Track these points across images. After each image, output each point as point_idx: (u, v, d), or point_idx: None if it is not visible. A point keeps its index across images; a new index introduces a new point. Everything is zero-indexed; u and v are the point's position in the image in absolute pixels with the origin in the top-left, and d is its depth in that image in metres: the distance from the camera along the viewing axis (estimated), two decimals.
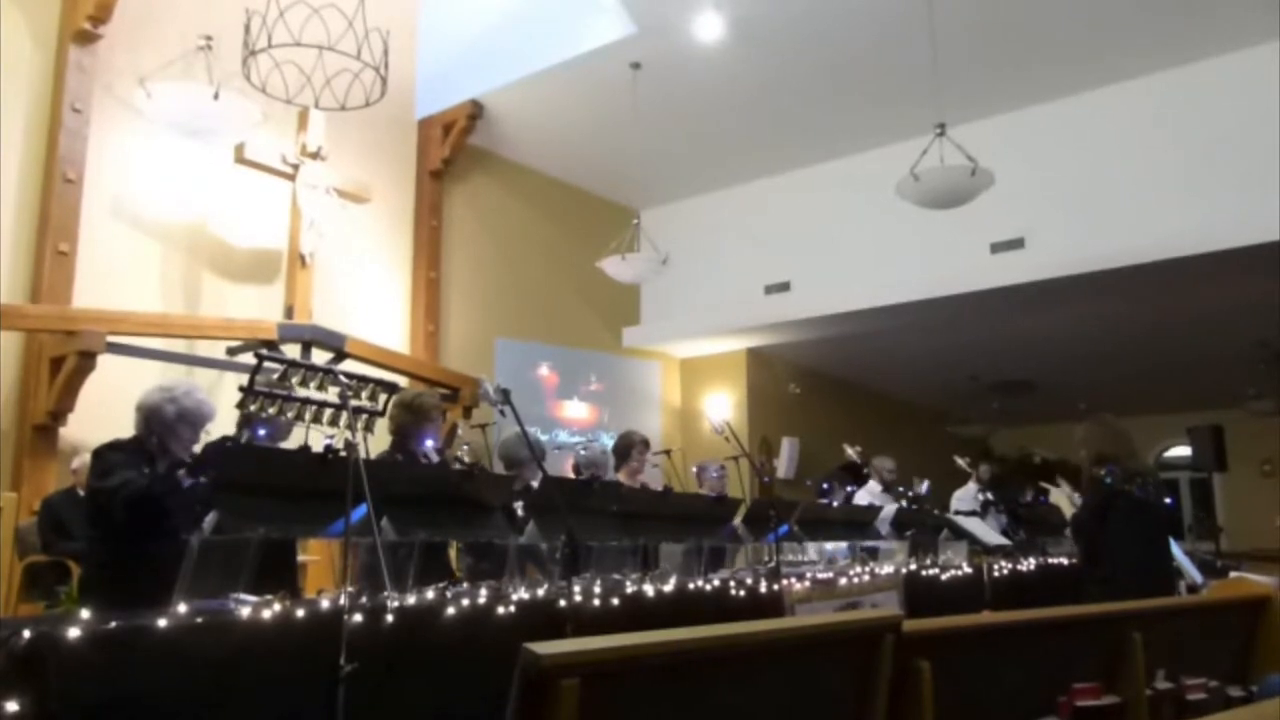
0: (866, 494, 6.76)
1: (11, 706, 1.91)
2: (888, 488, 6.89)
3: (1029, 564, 6.25)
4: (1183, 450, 12.76)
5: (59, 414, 5.40)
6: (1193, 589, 5.34)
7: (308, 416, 3.09)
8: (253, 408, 2.99)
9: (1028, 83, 7.54)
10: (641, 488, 5.05)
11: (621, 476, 5.42)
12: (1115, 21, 6.74)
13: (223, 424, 4.73)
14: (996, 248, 7.83)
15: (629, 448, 5.44)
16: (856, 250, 8.60)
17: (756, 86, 7.60)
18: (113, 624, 2.16)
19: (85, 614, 2.15)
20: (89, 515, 3.23)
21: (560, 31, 7.28)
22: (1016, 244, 7.76)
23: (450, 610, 2.80)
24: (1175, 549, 5.38)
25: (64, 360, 5.35)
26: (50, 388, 5.40)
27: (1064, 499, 6.66)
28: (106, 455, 3.13)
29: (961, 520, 6.28)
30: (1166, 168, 7.20)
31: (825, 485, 7.75)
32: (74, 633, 2.06)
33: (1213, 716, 2.12)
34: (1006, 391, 12.36)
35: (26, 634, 2.00)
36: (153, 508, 2.96)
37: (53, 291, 5.59)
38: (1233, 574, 5.84)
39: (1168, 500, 4.89)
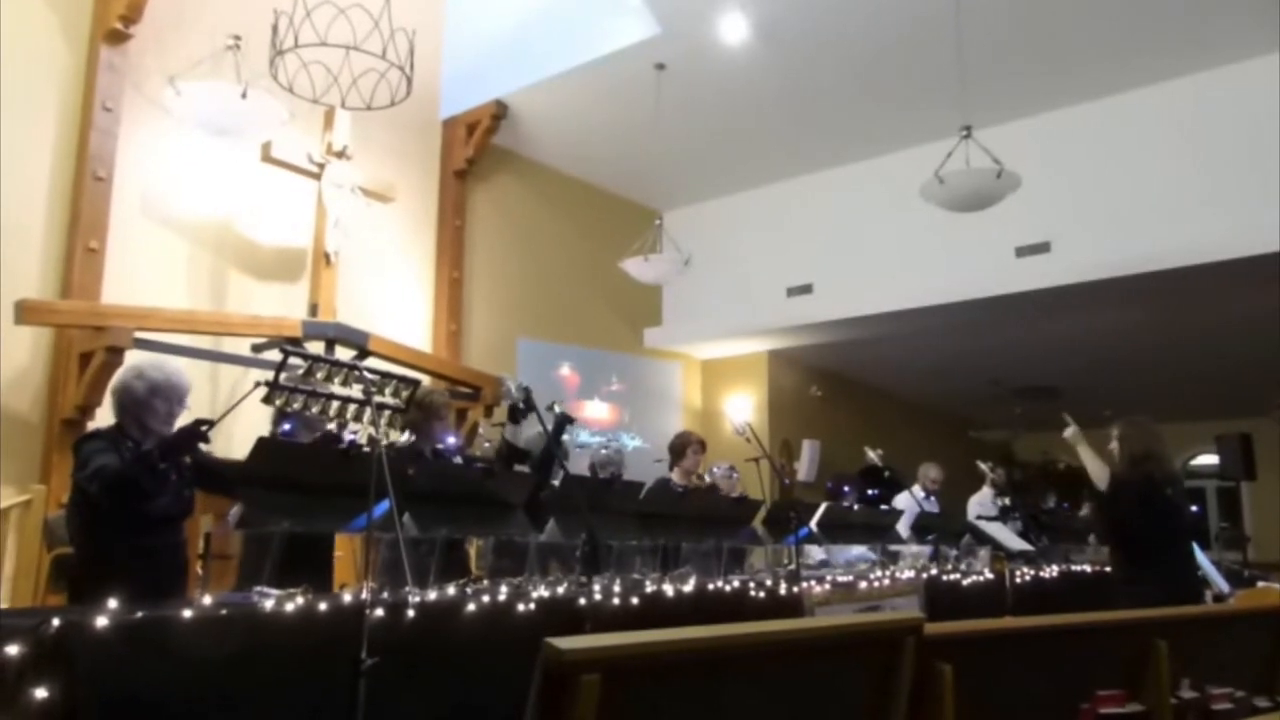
0: (906, 500, 6.71)
1: (41, 693, 1.94)
2: (929, 495, 6.90)
3: (1051, 570, 6.20)
4: (1210, 458, 12.60)
5: (87, 408, 5.46)
6: (1219, 598, 5.29)
7: (332, 412, 3.11)
8: (278, 403, 3.02)
9: (1055, 85, 7.48)
10: (665, 487, 5.07)
11: (675, 475, 5.49)
12: (1144, 25, 6.67)
13: (249, 420, 4.78)
14: (1022, 251, 7.76)
15: (684, 446, 5.53)
16: (880, 253, 8.56)
17: (781, 88, 7.59)
18: (139, 614, 2.19)
19: (113, 604, 2.17)
20: (75, 508, 3.17)
21: (585, 32, 7.29)
22: (1042, 248, 7.69)
23: (471, 606, 2.82)
24: (1202, 557, 5.33)
25: (93, 355, 5.41)
26: (79, 382, 5.46)
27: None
28: (84, 446, 3.10)
29: (984, 525, 6.24)
30: (1195, 172, 7.11)
31: (834, 486, 7.76)
32: (101, 622, 2.09)
33: None
34: (1030, 397, 12.26)
35: (55, 623, 2.02)
36: (131, 490, 2.93)
37: (82, 287, 5.66)
38: (1260, 584, 5.78)
39: (1194, 508, 4.85)
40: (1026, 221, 7.49)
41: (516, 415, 4.52)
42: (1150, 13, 6.54)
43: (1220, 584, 5.57)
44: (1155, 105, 7.39)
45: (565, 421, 4.35)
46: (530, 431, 4.81)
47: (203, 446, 3.17)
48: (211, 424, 2.96)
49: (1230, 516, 13.14)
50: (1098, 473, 4.59)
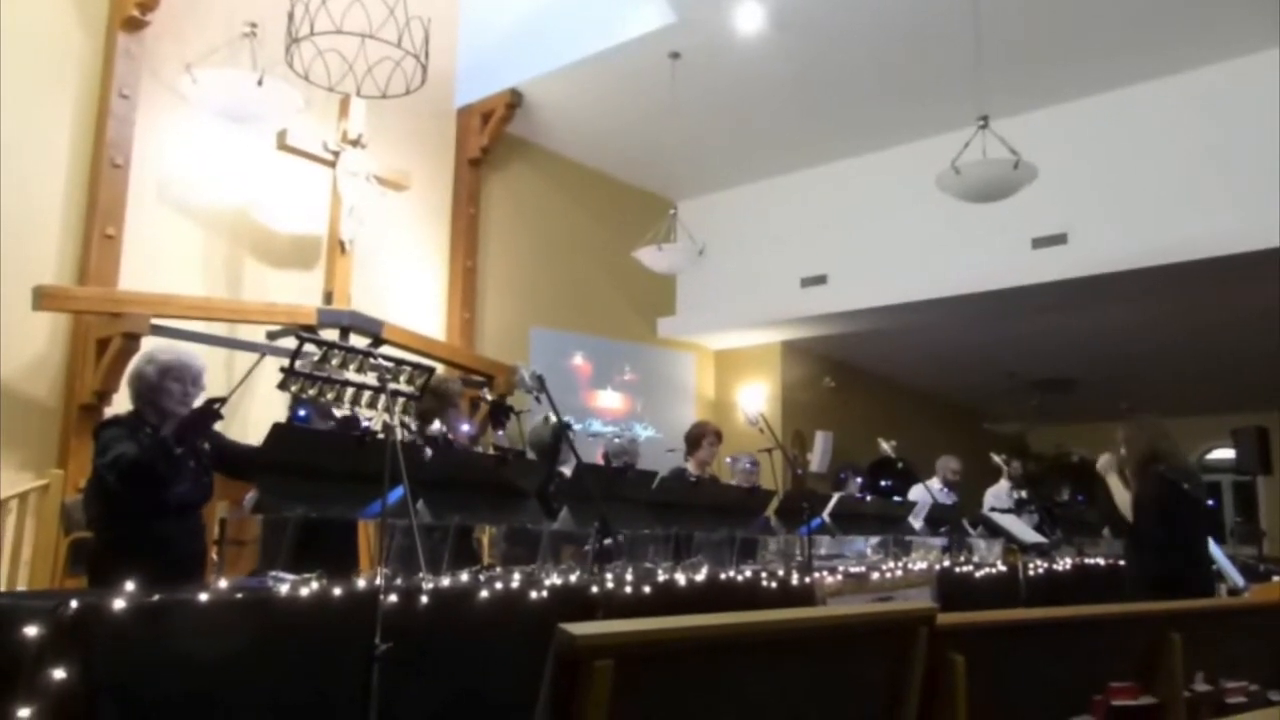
0: (921, 492, 6.71)
1: (58, 674, 1.96)
2: (948, 488, 6.90)
3: (1065, 563, 6.18)
4: (1226, 452, 12.51)
5: (104, 394, 5.50)
6: (1234, 593, 5.27)
7: (347, 398, 3.12)
8: (293, 389, 3.03)
9: (1073, 75, 7.41)
10: (678, 477, 5.07)
11: (690, 465, 5.49)
12: (1162, 15, 6.60)
13: (264, 407, 4.81)
14: (1038, 243, 7.71)
15: (700, 437, 5.53)
16: (895, 244, 8.52)
17: (796, 77, 7.55)
18: (156, 598, 2.21)
19: (130, 587, 2.19)
20: (94, 493, 3.21)
21: (600, 21, 7.27)
22: (1059, 239, 7.64)
23: (484, 593, 2.83)
24: (1217, 551, 5.30)
25: (109, 341, 5.45)
26: (96, 368, 5.50)
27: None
28: (103, 433, 3.13)
29: (997, 517, 6.22)
30: (1213, 164, 7.04)
31: (844, 476, 7.77)
32: (118, 605, 2.11)
33: (1246, 714, 2.09)
34: (1046, 389, 12.19)
35: (73, 605, 2.04)
36: (148, 476, 2.96)
37: (100, 274, 5.69)
38: (1275, 578, 5.74)
39: (1209, 502, 4.83)
40: (1043, 213, 7.44)
41: (499, 420, 4.37)
42: (1168, 4, 6.47)
43: (1235, 578, 5.54)
44: (1174, 96, 7.32)
45: (564, 429, 4.32)
46: (533, 422, 4.81)
47: (217, 426, 3.20)
48: (223, 401, 2.98)
49: (1246, 511, 13.05)
50: (1125, 504, 4.58)
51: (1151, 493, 4.37)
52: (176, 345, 3.39)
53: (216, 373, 5.73)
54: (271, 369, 3.41)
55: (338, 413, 3.50)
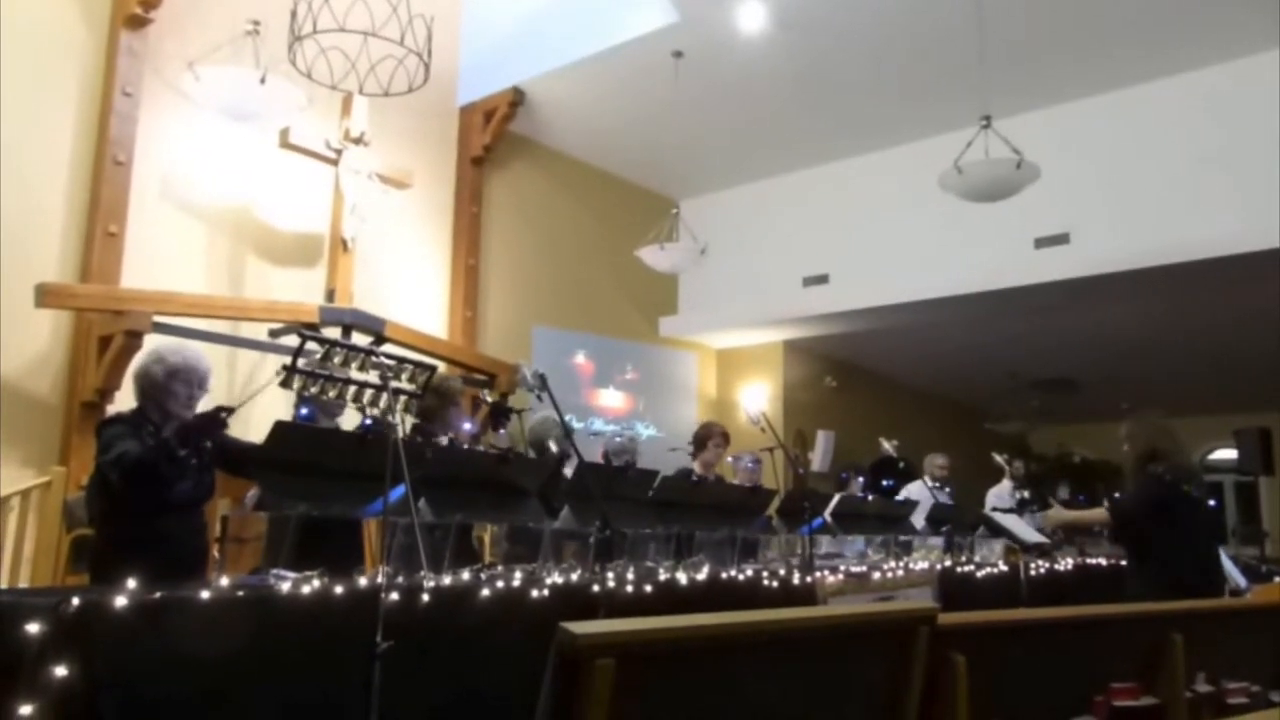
0: (916, 491, 6.72)
1: (60, 671, 1.96)
2: (939, 484, 6.90)
3: (1067, 563, 6.18)
4: (1228, 453, 12.50)
5: (106, 391, 5.51)
6: (1236, 594, 5.26)
7: (349, 397, 3.12)
8: (295, 387, 3.03)
9: (1076, 75, 7.41)
10: (681, 476, 5.07)
11: (696, 465, 5.49)
12: (1166, 15, 6.59)
13: (267, 404, 4.80)
14: (1041, 243, 7.71)
15: (707, 438, 5.53)
16: (897, 243, 8.51)
17: (799, 76, 7.54)
18: (157, 595, 2.21)
19: (131, 584, 2.19)
20: (96, 490, 3.21)
21: (603, 19, 7.27)
22: (1061, 239, 7.63)
23: (485, 592, 2.83)
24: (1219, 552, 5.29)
25: (112, 339, 5.46)
26: (98, 366, 5.51)
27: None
28: (105, 430, 3.13)
29: (999, 517, 6.21)
30: (1216, 163, 7.03)
31: (846, 477, 7.78)
32: (120, 602, 2.11)
33: (1248, 715, 2.09)
34: (1047, 389, 12.19)
35: (75, 602, 2.05)
36: (150, 477, 2.96)
37: (102, 272, 5.70)
38: (1277, 579, 5.74)
39: (1211, 502, 4.81)
40: (1046, 212, 7.43)
41: (499, 420, 4.41)
42: (1169, 4, 6.47)
43: (1238, 579, 5.54)
44: (1177, 96, 7.31)
45: (564, 457, 4.37)
46: (530, 421, 4.81)
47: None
48: (231, 410, 2.98)
49: (1248, 512, 13.04)
50: (1098, 518, 4.61)
51: (1146, 495, 4.35)
52: (184, 345, 3.38)
53: (218, 370, 5.72)
54: (273, 366, 3.40)
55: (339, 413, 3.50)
